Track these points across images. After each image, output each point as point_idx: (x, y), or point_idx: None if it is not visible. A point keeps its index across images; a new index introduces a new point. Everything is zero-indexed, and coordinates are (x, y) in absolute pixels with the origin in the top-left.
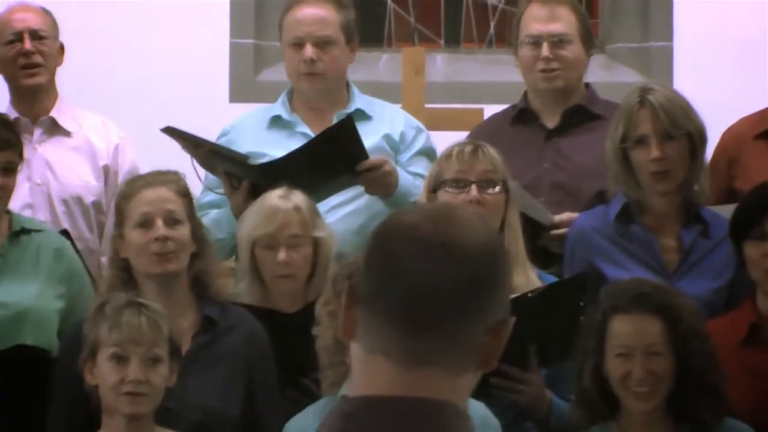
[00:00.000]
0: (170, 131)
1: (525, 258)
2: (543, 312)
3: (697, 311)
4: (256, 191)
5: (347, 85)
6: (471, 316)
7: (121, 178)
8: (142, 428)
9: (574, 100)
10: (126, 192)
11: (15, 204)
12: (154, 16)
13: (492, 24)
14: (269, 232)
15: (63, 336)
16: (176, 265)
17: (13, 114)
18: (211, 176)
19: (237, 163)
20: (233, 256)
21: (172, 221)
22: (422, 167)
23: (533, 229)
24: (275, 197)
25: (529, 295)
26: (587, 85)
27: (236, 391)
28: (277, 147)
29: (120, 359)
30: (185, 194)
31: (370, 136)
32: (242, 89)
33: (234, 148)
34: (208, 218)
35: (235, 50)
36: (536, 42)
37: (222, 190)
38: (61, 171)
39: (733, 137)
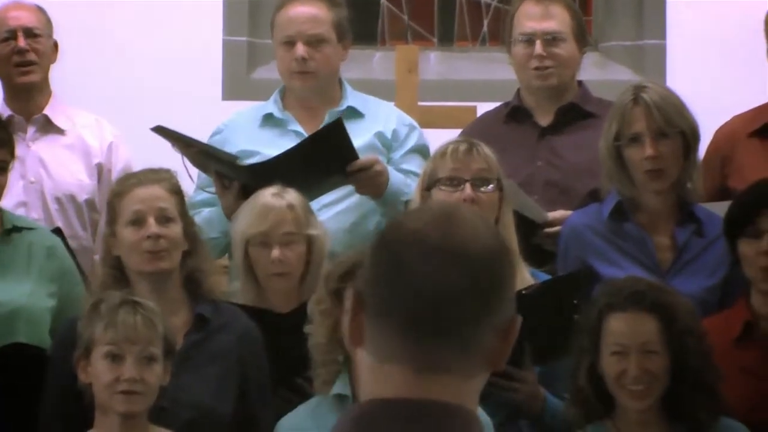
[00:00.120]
0: (161, 131)
1: (518, 256)
2: (537, 310)
3: (693, 310)
4: (246, 192)
5: (340, 83)
6: (481, 320)
7: (114, 177)
8: (136, 427)
9: (567, 98)
10: (118, 190)
11: (8, 202)
12: (148, 14)
13: (485, 22)
14: (263, 230)
15: (56, 334)
16: (168, 263)
17: (6, 112)
18: (203, 175)
19: (227, 164)
20: (226, 255)
21: (164, 219)
22: (415, 165)
23: (527, 227)
24: (269, 195)
25: (523, 292)
26: (580, 83)
27: (229, 390)
28: (269, 145)
29: (115, 358)
30: (177, 192)
31: (362, 134)
32: (236, 87)
33: (227, 146)
34: (200, 217)
35: (228, 48)
36: (530, 40)
37: (213, 189)
38: (54, 169)
39: (726, 135)
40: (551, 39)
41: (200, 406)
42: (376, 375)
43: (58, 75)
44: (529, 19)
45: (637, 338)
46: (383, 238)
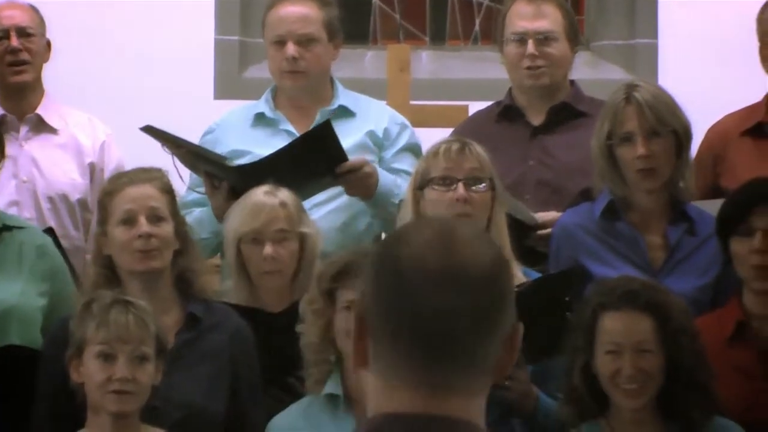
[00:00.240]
0: (150, 130)
1: (511, 256)
2: (529, 308)
3: (687, 309)
4: (235, 193)
5: (332, 82)
6: (488, 337)
7: (107, 176)
8: (128, 426)
9: (559, 97)
10: (109, 189)
11: (0, 201)
12: (140, 14)
13: (477, 21)
14: (255, 228)
15: (47, 333)
16: (159, 263)
17: None
18: (194, 175)
19: (216, 165)
20: (218, 254)
21: (155, 218)
22: (407, 163)
23: (518, 229)
24: (261, 193)
25: (516, 289)
26: (572, 82)
27: (220, 389)
28: (261, 145)
29: (107, 357)
30: (169, 191)
31: (353, 133)
32: (227, 86)
33: (219, 145)
34: (191, 217)
35: (220, 47)
36: (522, 39)
37: (203, 189)
38: (47, 168)
39: (718, 134)
40: (543, 38)
41: (192, 406)
42: (383, 396)
43: (50, 74)
44: (521, 19)
45: (632, 337)
46: (383, 263)
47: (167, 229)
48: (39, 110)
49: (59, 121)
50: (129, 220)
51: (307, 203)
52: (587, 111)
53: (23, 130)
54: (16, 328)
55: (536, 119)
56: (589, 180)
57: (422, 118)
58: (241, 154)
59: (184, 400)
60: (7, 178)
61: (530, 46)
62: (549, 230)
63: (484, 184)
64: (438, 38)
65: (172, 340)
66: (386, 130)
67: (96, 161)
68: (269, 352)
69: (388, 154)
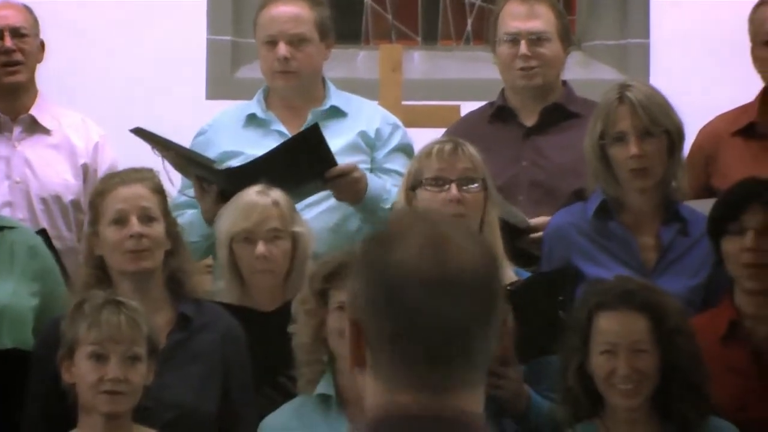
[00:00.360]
0: (139, 132)
1: (503, 256)
2: (522, 306)
3: (682, 309)
4: (224, 197)
5: (324, 82)
6: (485, 334)
7: (100, 177)
8: (120, 427)
9: (552, 98)
10: (100, 189)
11: None
12: (132, 14)
13: (469, 21)
14: (248, 227)
15: (39, 333)
16: (151, 263)
17: None
18: (185, 178)
19: (205, 168)
20: (210, 255)
21: (146, 218)
22: (399, 164)
23: (511, 232)
24: (253, 193)
25: (509, 288)
26: (564, 82)
27: (212, 389)
28: (253, 145)
29: (99, 357)
30: (160, 191)
31: (345, 133)
32: (219, 86)
33: (211, 146)
34: (181, 219)
35: (212, 47)
36: (514, 39)
37: (193, 192)
38: (40, 169)
39: (710, 135)
40: (536, 39)
41: (183, 406)
42: (383, 398)
43: (42, 74)
44: (514, 19)
45: (627, 337)
46: (374, 269)
47: (158, 229)
48: (32, 111)
49: (52, 121)
50: (120, 220)
51: (299, 204)
52: (580, 112)
53: (16, 130)
54: (7, 328)
55: (529, 120)
56: (582, 180)
57: (414, 118)
58: (233, 155)
59: (175, 401)
60: (0, 179)
61: (523, 47)
62: (540, 234)
63: (476, 185)
64: (430, 38)
65: (163, 340)
66: (378, 131)
67: (89, 162)
68: (261, 352)
69: (381, 154)
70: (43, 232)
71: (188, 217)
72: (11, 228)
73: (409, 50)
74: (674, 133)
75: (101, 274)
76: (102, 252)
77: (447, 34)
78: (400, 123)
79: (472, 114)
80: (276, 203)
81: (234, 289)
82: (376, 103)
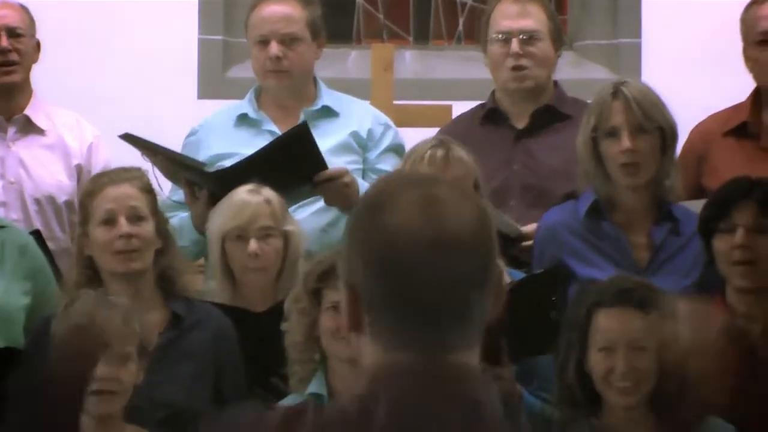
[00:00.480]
0: (128, 138)
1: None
2: (515, 306)
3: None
4: (215, 201)
5: (315, 82)
6: (481, 291)
7: None
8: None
9: (543, 99)
10: (89, 189)
11: None
12: (123, 13)
13: (461, 21)
14: (240, 224)
15: (30, 332)
16: (140, 263)
17: None
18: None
19: (194, 171)
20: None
21: (135, 218)
22: (391, 164)
23: (502, 240)
24: (244, 192)
25: None
26: (555, 83)
27: (204, 388)
28: (244, 146)
29: None
30: (149, 190)
31: (337, 133)
32: (211, 86)
33: (203, 147)
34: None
35: (204, 46)
36: (506, 38)
37: (180, 197)
38: (34, 169)
39: (701, 134)
40: (528, 38)
41: (174, 405)
42: (382, 358)
43: (34, 73)
44: (506, 18)
45: (625, 334)
46: (369, 232)
47: (148, 228)
48: (27, 111)
49: (47, 122)
50: (109, 221)
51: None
52: (571, 113)
53: (11, 130)
54: None
55: (520, 122)
56: (574, 183)
57: (406, 118)
58: (225, 156)
59: (166, 399)
60: None
61: (514, 45)
62: (531, 242)
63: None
64: (422, 38)
65: (155, 339)
66: (370, 131)
67: (83, 163)
68: (253, 352)
69: (373, 155)
70: (36, 233)
71: (177, 222)
72: (2, 227)
73: (401, 50)
74: (667, 132)
75: (92, 273)
76: (92, 252)
77: (439, 34)
78: (391, 123)
79: (463, 116)
80: (268, 201)
81: (226, 289)
82: (367, 102)
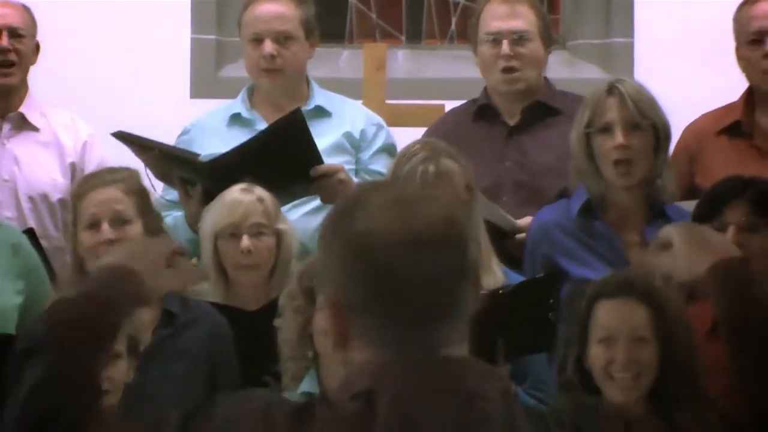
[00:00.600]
0: (121, 136)
1: (491, 262)
2: (513, 308)
3: (682, 301)
4: (209, 198)
5: (307, 82)
6: (462, 283)
7: None
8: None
9: (535, 98)
10: (77, 192)
11: None
12: (115, 12)
13: (453, 20)
14: (232, 221)
15: (22, 331)
16: None
17: None
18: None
19: (188, 164)
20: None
21: (120, 222)
22: (383, 164)
23: (496, 234)
24: (237, 190)
25: (501, 291)
26: (545, 79)
27: (197, 387)
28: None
29: None
30: (136, 192)
31: (330, 133)
32: (203, 85)
33: (195, 146)
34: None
35: (196, 46)
36: (496, 39)
37: (173, 196)
38: (28, 167)
39: (694, 133)
40: (518, 38)
41: (167, 403)
42: (378, 361)
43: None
44: (496, 19)
45: (626, 324)
46: (344, 242)
47: (133, 231)
48: (21, 108)
49: (41, 120)
50: (93, 225)
51: (284, 206)
52: (562, 107)
53: (6, 128)
54: None
55: (512, 119)
56: (567, 180)
57: (398, 118)
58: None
59: (160, 398)
60: None
61: (505, 46)
62: (525, 235)
63: None
64: (414, 37)
65: (149, 337)
66: (363, 132)
67: (77, 161)
68: (245, 351)
69: (366, 155)
70: (29, 231)
71: (171, 221)
72: None
73: (394, 49)
74: (661, 130)
75: (86, 273)
76: (81, 254)
77: (431, 33)
78: (383, 123)
79: (454, 112)
80: (260, 200)
81: (218, 289)
82: (359, 103)
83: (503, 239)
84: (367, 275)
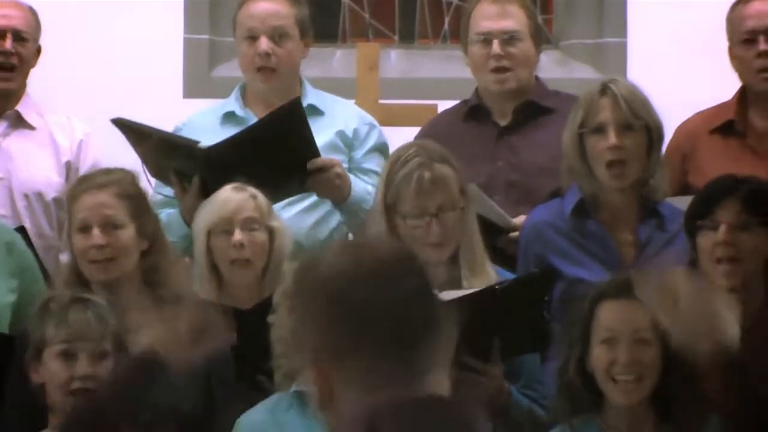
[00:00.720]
0: (120, 123)
1: (485, 262)
2: (508, 306)
3: None
4: (206, 190)
5: (300, 81)
6: (432, 302)
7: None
8: None
9: (526, 97)
10: (70, 193)
11: None
12: (108, 12)
13: (446, 20)
14: (224, 216)
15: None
16: (117, 271)
17: None
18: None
19: (186, 152)
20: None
21: (111, 226)
22: (376, 163)
23: (490, 231)
24: (229, 189)
25: (497, 288)
26: (536, 78)
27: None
28: None
29: (68, 356)
30: (128, 195)
31: (323, 132)
32: (196, 85)
33: None
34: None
35: (189, 46)
36: (486, 39)
37: (169, 191)
38: (23, 165)
39: (687, 132)
40: (508, 38)
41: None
42: (361, 402)
43: None
44: (486, 19)
45: (629, 325)
46: (310, 294)
47: (125, 235)
48: (18, 107)
49: (38, 119)
50: (85, 229)
51: (277, 204)
52: (553, 106)
53: (2, 126)
54: None
55: (503, 119)
56: (559, 180)
57: (391, 118)
58: None
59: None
60: None
61: (495, 47)
62: (518, 233)
63: (456, 210)
64: (407, 37)
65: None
66: (356, 131)
67: (72, 160)
68: (238, 349)
69: (358, 154)
70: (21, 229)
71: (165, 217)
72: None
73: (387, 49)
74: (654, 131)
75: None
76: (75, 254)
77: (424, 33)
78: (375, 122)
79: (446, 113)
80: (253, 196)
81: (212, 288)
82: (352, 102)
83: (495, 236)
84: (341, 316)
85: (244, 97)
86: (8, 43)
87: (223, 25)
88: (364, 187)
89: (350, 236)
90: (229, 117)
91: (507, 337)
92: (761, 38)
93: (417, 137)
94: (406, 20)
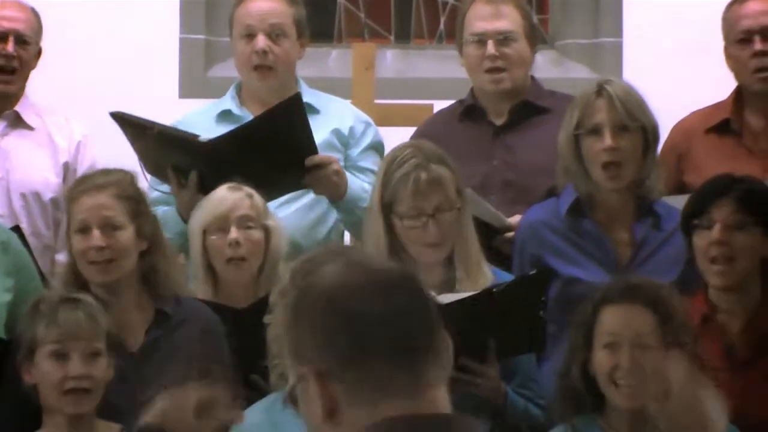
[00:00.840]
0: (119, 117)
1: (481, 262)
2: (505, 307)
3: (688, 309)
4: (204, 185)
5: (296, 81)
6: (432, 314)
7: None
8: (84, 424)
9: (521, 97)
10: (69, 195)
11: None
12: (104, 12)
13: (442, 20)
14: (220, 214)
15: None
16: (116, 273)
17: None
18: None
19: (185, 146)
20: (182, 255)
21: (110, 228)
22: (372, 162)
23: (486, 231)
24: (225, 189)
25: (494, 290)
26: (532, 77)
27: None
28: None
29: (60, 356)
30: (128, 196)
31: (319, 131)
32: (192, 85)
33: None
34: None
35: (185, 46)
36: (481, 40)
37: (165, 188)
38: (21, 165)
39: (683, 131)
40: (503, 39)
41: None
42: (365, 415)
43: None
44: (480, 20)
45: (631, 329)
46: (311, 302)
47: (124, 236)
48: (17, 107)
49: (36, 119)
50: (84, 230)
51: (274, 202)
52: (549, 106)
53: (0, 126)
54: None
55: (498, 119)
56: (555, 179)
57: (387, 117)
58: None
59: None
60: None
61: (490, 47)
62: (514, 234)
63: (453, 211)
64: (403, 37)
65: (143, 338)
66: (351, 129)
67: (70, 161)
68: (234, 349)
69: (354, 152)
70: (16, 229)
71: (161, 214)
72: None
73: (382, 49)
74: (649, 132)
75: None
76: (74, 255)
77: (420, 33)
78: (371, 121)
79: (441, 113)
80: (249, 195)
81: (207, 287)
82: (347, 101)
83: (491, 236)
84: (342, 327)
85: (240, 96)
86: (10, 47)
87: (219, 25)
88: (360, 185)
89: (347, 235)
90: (225, 115)
91: (504, 338)
92: (757, 38)
93: (413, 137)
94: (401, 20)
